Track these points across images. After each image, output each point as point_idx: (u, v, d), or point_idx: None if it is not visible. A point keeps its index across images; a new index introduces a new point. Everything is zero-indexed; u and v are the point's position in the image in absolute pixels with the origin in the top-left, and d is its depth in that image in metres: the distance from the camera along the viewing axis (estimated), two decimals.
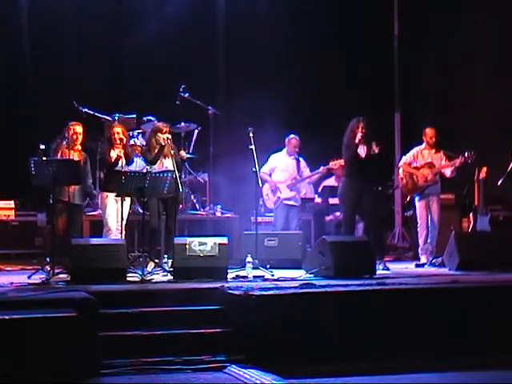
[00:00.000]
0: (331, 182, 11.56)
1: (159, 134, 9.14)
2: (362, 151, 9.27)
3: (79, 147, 8.94)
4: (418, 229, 10.12)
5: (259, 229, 9.48)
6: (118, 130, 9.20)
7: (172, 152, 9.03)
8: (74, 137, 8.86)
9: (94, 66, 12.02)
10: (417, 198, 10.11)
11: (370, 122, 9.33)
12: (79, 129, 8.92)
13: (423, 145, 10.17)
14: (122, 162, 9.01)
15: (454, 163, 9.92)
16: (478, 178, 10.28)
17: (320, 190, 11.53)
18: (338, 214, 11.37)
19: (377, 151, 9.24)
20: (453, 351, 6.73)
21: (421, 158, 10.08)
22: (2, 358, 5.77)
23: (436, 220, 9.97)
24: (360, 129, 9.22)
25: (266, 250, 9.42)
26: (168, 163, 9.07)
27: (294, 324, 6.60)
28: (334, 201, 11.23)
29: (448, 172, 10.02)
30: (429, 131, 10.13)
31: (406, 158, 10.27)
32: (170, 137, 9.13)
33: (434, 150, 10.08)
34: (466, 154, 9.81)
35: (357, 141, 9.19)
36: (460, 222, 10.97)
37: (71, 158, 8.71)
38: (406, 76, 13.49)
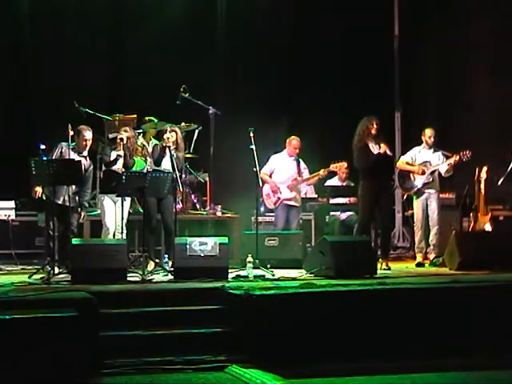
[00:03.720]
0: (333, 181, 11.56)
1: (164, 136, 9.22)
2: (376, 151, 9.29)
3: (86, 153, 8.95)
4: (415, 228, 10.16)
5: (260, 229, 9.50)
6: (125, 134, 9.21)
7: (173, 152, 9.04)
8: (84, 143, 8.87)
9: (95, 66, 12.01)
10: (414, 197, 10.15)
11: (380, 121, 9.37)
12: (89, 134, 8.92)
13: (422, 145, 10.20)
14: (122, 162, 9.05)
15: (450, 161, 9.95)
16: (479, 178, 10.29)
17: (321, 189, 11.51)
18: (339, 213, 11.39)
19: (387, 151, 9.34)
20: (453, 351, 6.73)
21: (419, 158, 10.11)
22: (2, 357, 5.77)
23: (436, 218, 9.98)
24: (374, 125, 9.26)
25: (267, 249, 9.44)
26: (167, 162, 9.09)
27: (294, 324, 6.59)
28: (334, 200, 11.24)
29: (443, 170, 10.03)
30: (427, 131, 10.19)
31: (403, 158, 10.30)
32: (169, 136, 9.14)
33: (432, 150, 10.12)
34: (461, 153, 9.86)
35: (373, 132, 9.19)
36: (460, 222, 10.98)
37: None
38: (406, 76, 13.50)
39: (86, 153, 8.95)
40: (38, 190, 8.82)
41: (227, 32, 12.73)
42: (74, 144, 8.86)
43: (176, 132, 9.26)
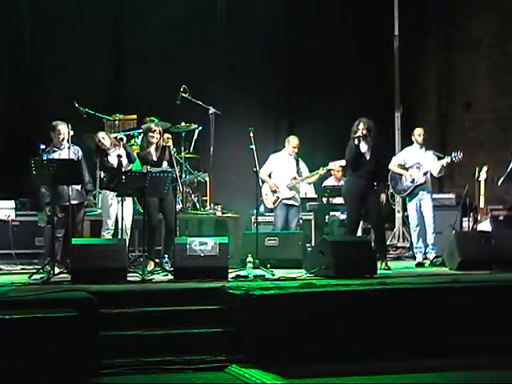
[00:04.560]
0: (330, 181, 11.56)
1: (150, 134, 9.14)
2: (365, 152, 9.27)
3: (66, 144, 8.90)
4: (411, 230, 10.16)
5: (259, 228, 9.50)
6: None
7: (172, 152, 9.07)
8: (61, 137, 8.84)
9: (95, 66, 12.01)
10: (407, 199, 10.15)
11: (372, 123, 9.31)
12: (64, 128, 8.89)
13: (413, 145, 10.19)
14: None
15: (441, 163, 9.95)
16: (479, 178, 10.29)
17: (320, 189, 11.51)
18: (338, 213, 11.39)
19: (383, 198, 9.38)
20: (453, 351, 6.73)
21: (410, 159, 10.10)
22: (2, 357, 5.76)
23: (430, 219, 9.97)
24: (360, 129, 9.23)
25: (267, 249, 9.45)
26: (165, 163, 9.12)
27: (294, 324, 6.59)
28: (334, 200, 11.24)
29: (435, 171, 10.03)
30: (417, 129, 10.22)
31: (395, 159, 10.29)
32: (170, 136, 9.15)
33: (423, 150, 10.10)
34: (453, 154, 9.86)
35: (355, 141, 9.17)
36: (460, 222, 10.98)
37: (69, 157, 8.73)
38: (406, 76, 13.50)
39: (65, 144, 8.88)
40: (48, 208, 8.84)
41: (227, 32, 12.72)
42: (48, 149, 8.83)
43: (160, 133, 9.21)
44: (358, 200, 9.27)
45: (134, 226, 9.55)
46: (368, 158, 9.26)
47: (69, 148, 8.84)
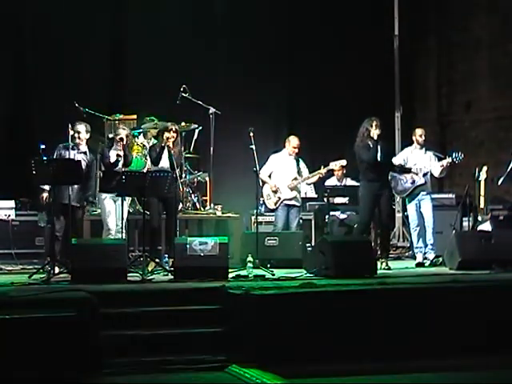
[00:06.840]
0: (332, 181, 11.56)
1: (166, 134, 9.15)
2: (378, 152, 9.29)
3: (85, 148, 8.93)
4: (411, 230, 10.16)
5: (260, 228, 9.50)
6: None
7: (172, 151, 9.06)
8: (77, 135, 8.85)
9: (95, 66, 12.01)
10: (407, 200, 10.15)
11: (381, 122, 9.34)
12: (81, 128, 8.91)
13: (413, 145, 10.18)
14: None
15: (442, 164, 9.94)
16: (479, 178, 10.29)
17: (321, 188, 11.50)
18: (338, 213, 11.39)
19: None
20: (453, 351, 6.73)
21: (411, 159, 10.09)
22: (2, 357, 5.76)
23: (430, 219, 9.96)
24: (374, 127, 9.23)
25: (267, 249, 9.45)
26: (165, 161, 9.10)
27: (294, 324, 6.59)
28: (334, 200, 11.23)
29: (436, 172, 10.03)
30: (418, 130, 10.21)
31: (395, 160, 10.28)
32: (169, 136, 9.14)
33: (423, 151, 10.09)
34: (454, 155, 9.86)
35: (376, 138, 9.19)
36: (460, 222, 10.97)
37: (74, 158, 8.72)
38: (406, 76, 13.50)
39: (84, 148, 8.91)
40: (45, 195, 8.84)
41: (227, 32, 12.72)
42: (67, 144, 8.83)
43: (177, 132, 9.24)
44: (373, 203, 9.32)
45: (131, 225, 9.53)
46: (379, 158, 9.28)
47: (85, 153, 8.85)
